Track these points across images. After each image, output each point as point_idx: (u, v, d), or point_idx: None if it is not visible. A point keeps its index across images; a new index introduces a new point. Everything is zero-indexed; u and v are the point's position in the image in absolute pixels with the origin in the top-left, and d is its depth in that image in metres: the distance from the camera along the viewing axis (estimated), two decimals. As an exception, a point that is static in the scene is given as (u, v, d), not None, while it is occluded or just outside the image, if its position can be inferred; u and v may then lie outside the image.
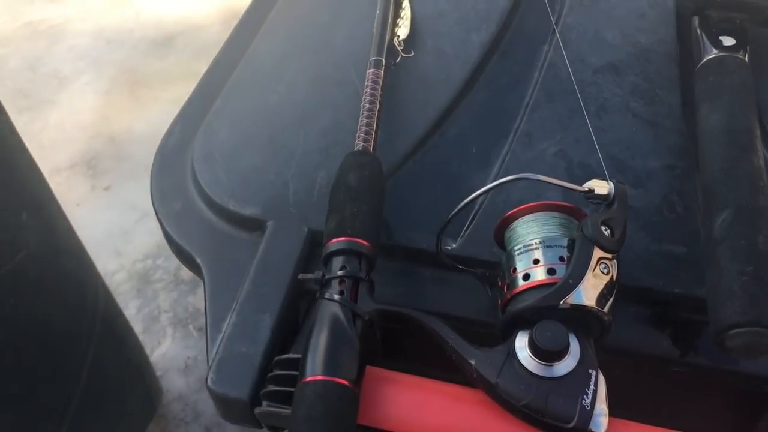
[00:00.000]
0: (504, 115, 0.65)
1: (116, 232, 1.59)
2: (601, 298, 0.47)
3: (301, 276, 0.53)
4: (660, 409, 0.59)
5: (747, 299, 0.43)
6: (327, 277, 0.51)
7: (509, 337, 0.48)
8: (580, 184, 0.58)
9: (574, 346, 0.46)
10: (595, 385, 0.45)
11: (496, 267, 0.55)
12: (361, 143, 0.58)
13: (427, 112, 0.65)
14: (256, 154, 0.65)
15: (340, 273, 0.50)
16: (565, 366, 0.46)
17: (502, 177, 0.59)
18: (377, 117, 0.60)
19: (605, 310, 0.47)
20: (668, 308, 0.55)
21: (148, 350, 1.35)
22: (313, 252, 0.59)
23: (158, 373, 1.34)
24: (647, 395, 0.59)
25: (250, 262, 0.59)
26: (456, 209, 0.51)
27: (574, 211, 0.52)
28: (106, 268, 1.50)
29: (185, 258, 0.62)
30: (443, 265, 0.56)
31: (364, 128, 0.59)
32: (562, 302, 0.46)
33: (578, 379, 0.45)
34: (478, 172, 0.62)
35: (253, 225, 0.62)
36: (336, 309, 0.49)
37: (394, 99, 0.65)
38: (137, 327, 1.42)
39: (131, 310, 1.46)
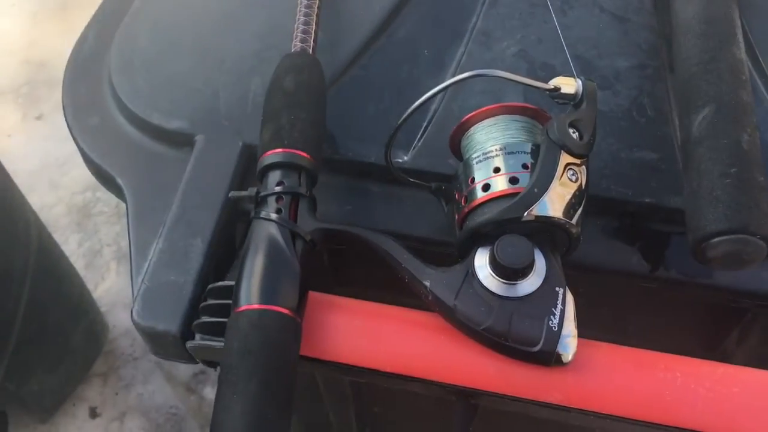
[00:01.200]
0: (459, 12, 0.58)
1: (52, 163, 1.49)
2: (569, 208, 0.42)
3: (232, 194, 0.46)
4: (627, 327, 0.55)
5: (731, 204, 0.38)
6: (262, 193, 0.44)
7: (468, 255, 0.43)
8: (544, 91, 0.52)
9: (540, 262, 0.41)
10: (563, 304, 0.41)
11: (453, 180, 0.49)
12: (299, 44, 0.51)
13: (372, 9, 0.57)
14: (181, 60, 0.57)
15: (276, 189, 0.44)
16: (529, 284, 0.41)
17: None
18: (316, 14, 0.53)
19: (573, 221, 0.42)
20: (637, 220, 0.50)
21: (91, 286, 1.28)
22: (248, 168, 0.52)
23: (103, 309, 1.27)
24: (615, 312, 0.55)
25: (177, 181, 0.52)
26: (406, 113, 0.45)
27: (538, 113, 0.46)
28: (42, 201, 1.40)
29: (105, 178, 0.55)
30: (394, 179, 0.50)
31: (301, 27, 0.52)
32: (525, 214, 0.41)
33: (544, 298, 0.40)
34: (430, 77, 0.55)
35: (180, 140, 0.54)
36: (273, 229, 0.43)
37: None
38: (79, 262, 1.34)
39: (72, 245, 1.38)
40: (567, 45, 0.54)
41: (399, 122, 0.45)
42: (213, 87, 0.55)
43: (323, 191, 0.47)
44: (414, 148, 0.52)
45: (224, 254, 0.49)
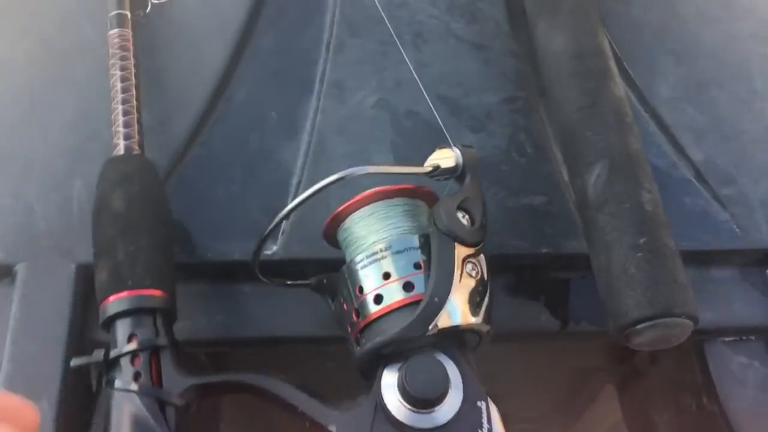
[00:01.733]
0: (301, 60, 0.50)
1: None
2: (475, 306, 0.37)
3: (74, 362, 0.37)
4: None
5: (649, 284, 0.34)
6: (112, 355, 0.36)
7: (371, 377, 0.37)
8: (414, 143, 0.47)
9: (453, 375, 0.36)
10: (488, 421, 0.36)
11: (336, 278, 0.43)
12: (121, 142, 0.42)
13: (202, 74, 0.49)
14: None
15: (129, 347, 0.36)
16: (448, 407, 0.35)
17: (314, 144, 0.47)
18: (136, 98, 0.44)
19: (481, 319, 0.37)
20: (538, 271, 0.46)
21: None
22: (89, 294, 0.43)
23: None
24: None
25: (2, 328, 0.42)
26: (270, 226, 0.38)
27: (417, 191, 0.40)
28: None
29: None
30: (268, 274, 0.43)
31: (120, 119, 0.42)
32: (430, 328, 0.35)
33: (467, 419, 0.35)
34: (283, 143, 0.48)
35: (-2, 273, 0.44)
36: (134, 402, 0.35)
37: (155, 64, 0.48)
38: None
39: None
40: (429, 85, 0.48)
41: (265, 233, 0.38)
42: (24, 200, 0.45)
43: (185, 302, 0.40)
44: (282, 233, 0.45)
45: (80, 416, 0.41)
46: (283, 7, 0.51)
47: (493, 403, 0.36)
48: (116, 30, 0.46)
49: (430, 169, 0.38)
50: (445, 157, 0.39)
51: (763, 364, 0.45)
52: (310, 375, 0.44)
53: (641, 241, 0.35)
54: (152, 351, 0.36)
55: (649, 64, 0.50)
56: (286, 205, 0.46)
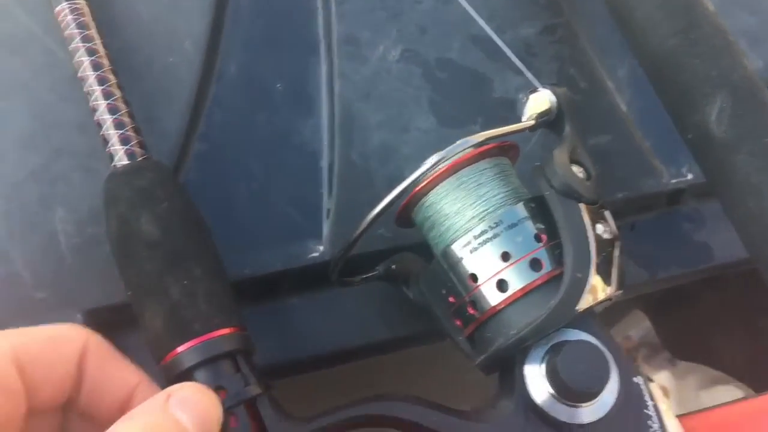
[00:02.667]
0: (295, 17, 0.44)
1: None
2: (607, 272, 0.33)
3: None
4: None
5: None
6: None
7: (506, 375, 0.33)
8: (455, 96, 0.43)
9: (605, 352, 0.33)
10: (651, 396, 0.33)
11: (398, 251, 0.40)
12: (119, 148, 0.35)
13: (181, 50, 0.42)
14: None
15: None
16: (609, 393, 0.33)
17: (339, 117, 0.42)
18: (118, 86, 0.36)
19: (615, 286, 0.34)
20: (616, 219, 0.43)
21: None
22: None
23: None
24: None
25: None
26: (354, 236, 0.34)
27: (503, 148, 0.36)
28: None
29: None
30: (312, 281, 0.40)
31: (108, 118, 0.35)
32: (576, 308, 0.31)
33: (630, 402, 0.33)
34: (301, 121, 0.42)
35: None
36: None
37: (120, 43, 0.40)
38: None
39: None
40: (457, 24, 0.43)
41: (344, 249, 0.33)
42: (-5, 246, 0.37)
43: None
44: (325, 232, 0.40)
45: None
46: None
47: (650, 378, 0.33)
48: (65, 4, 0.37)
49: (533, 122, 0.34)
50: (538, 102, 0.35)
51: None
52: (404, 385, 0.39)
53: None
54: (247, 404, 0.30)
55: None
56: (320, 195, 0.41)
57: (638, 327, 0.61)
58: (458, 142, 0.32)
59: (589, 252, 0.32)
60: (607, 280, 0.33)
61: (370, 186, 0.41)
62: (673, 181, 0.43)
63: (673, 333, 0.59)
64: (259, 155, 0.41)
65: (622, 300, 0.59)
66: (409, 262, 0.39)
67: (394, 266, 0.39)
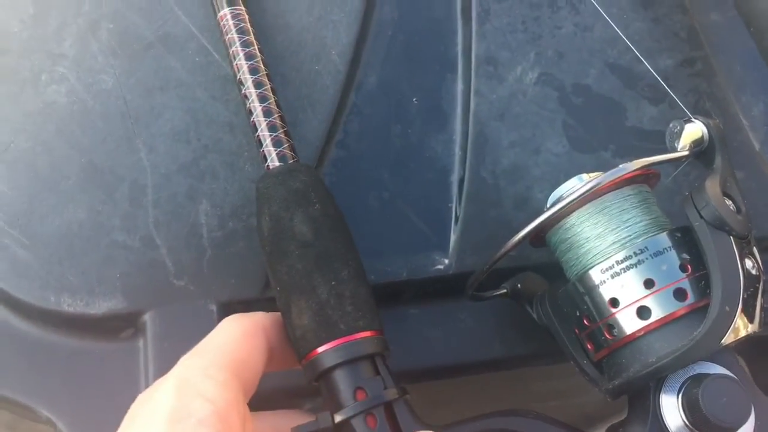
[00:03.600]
0: (435, 35, 0.46)
1: None
2: (752, 308, 0.33)
3: (296, 430, 0.32)
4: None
5: None
6: (341, 417, 0.31)
7: (638, 401, 0.33)
8: (588, 122, 0.43)
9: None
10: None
11: (521, 270, 0.40)
12: (272, 150, 0.36)
13: (326, 59, 0.43)
14: (70, 205, 0.39)
15: (360, 407, 0.31)
16: (746, 430, 0.32)
17: (472, 134, 0.43)
18: (272, 92, 0.38)
19: (757, 325, 0.34)
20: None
21: None
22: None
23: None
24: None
25: (129, 390, 0.35)
26: (501, 253, 0.34)
27: (647, 176, 0.36)
28: None
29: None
30: (430, 292, 0.41)
31: (263, 121, 0.37)
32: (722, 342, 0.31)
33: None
34: (435, 136, 0.44)
35: (118, 325, 0.38)
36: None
37: (274, 48, 0.42)
38: None
39: None
40: (594, 51, 0.44)
41: (495, 257, 0.34)
42: (142, 233, 0.39)
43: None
44: (452, 245, 0.41)
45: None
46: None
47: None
48: (227, 9, 0.40)
49: (687, 152, 0.34)
50: (689, 133, 0.35)
51: None
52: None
53: None
54: (386, 408, 0.31)
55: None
56: (449, 208, 0.42)
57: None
58: (616, 169, 0.33)
59: (738, 284, 0.32)
60: (750, 317, 0.33)
61: (499, 204, 0.42)
62: (811, 221, 0.43)
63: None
64: (392, 166, 0.42)
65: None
66: (533, 282, 0.40)
67: (519, 285, 0.40)
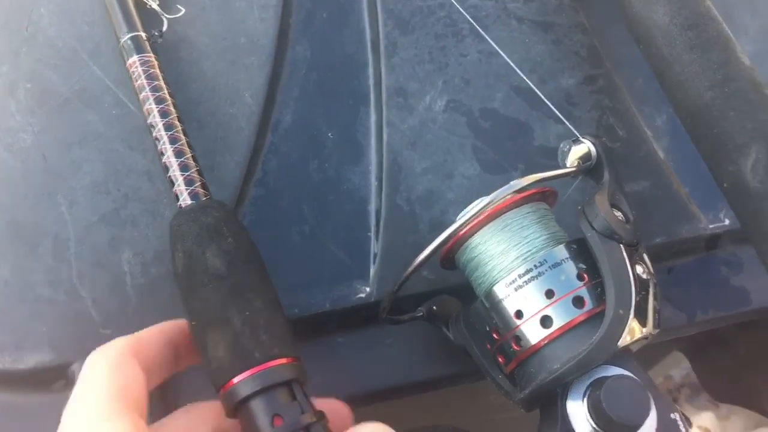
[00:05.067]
0: (347, 70, 0.48)
1: None
2: (654, 313, 0.36)
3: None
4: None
5: None
6: (255, 449, 0.32)
7: (548, 410, 0.35)
8: (498, 144, 0.46)
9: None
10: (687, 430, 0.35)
11: (440, 293, 0.42)
12: (184, 189, 0.38)
13: (240, 101, 0.45)
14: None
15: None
16: (648, 428, 0.34)
17: (387, 163, 0.45)
18: (184, 133, 0.40)
19: (652, 325, 0.36)
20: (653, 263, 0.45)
21: None
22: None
23: None
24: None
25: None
26: (403, 276, 0.37)
27: (545, 194, 0.39)
28: None
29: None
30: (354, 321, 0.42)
31: (174, 161, 0.39)
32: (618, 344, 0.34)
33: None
34: (351, 168, 0.46)
35: (48, 377, 0.40)
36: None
37: (183, 95, 0.44)
38: None
39: None
40: (500, 76, 0.46)
41: (399, 281, 0.36)
42: (66, 286, 0.41)
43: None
44: (372, 273, 0.43)
45: None
46: (312, 8, 0.48)
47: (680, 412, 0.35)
48: (136, 57, 0.42)
49: (575, 168, 0.37)
50: (578, 151, 0.38)
51: None
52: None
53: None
54: (304, 430, 0.33)
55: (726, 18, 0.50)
56: (368, 238, 0.44)
57: (679, 368, 0.62)
58: (507, 186, 0.35)
59: (630, 289, 0.34)
60: (643, 319, 0.35)
61: (415, 230, 0.44)
62: (711, 226, 0.45)
63: (712, 375, 0.60)
64: (311, 200, 0.44)
65: (660, 341, 0.60)
66: (448, 304, 0.42)
67: (435, 307, 0.41)
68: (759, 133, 0.37)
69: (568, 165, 0.38)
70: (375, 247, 0.44)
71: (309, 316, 0.42)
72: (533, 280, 0.36)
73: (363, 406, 0.43)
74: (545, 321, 0.35)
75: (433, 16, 0.48)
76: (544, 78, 0.47)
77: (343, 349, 0.43)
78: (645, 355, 0.75)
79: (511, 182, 0.35)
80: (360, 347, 0.43)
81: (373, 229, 0.44)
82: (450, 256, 0.39)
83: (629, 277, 0.34)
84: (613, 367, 0.35)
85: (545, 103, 0.47)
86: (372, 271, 0.43)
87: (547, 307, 0.35)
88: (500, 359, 0.37)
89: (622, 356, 0.35)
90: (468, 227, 0.37)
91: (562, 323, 0.35)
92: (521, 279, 0.36)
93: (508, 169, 0.45)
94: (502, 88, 0.47)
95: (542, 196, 0.39)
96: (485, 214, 0.37)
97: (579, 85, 0.48)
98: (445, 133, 0.46)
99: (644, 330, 0.35)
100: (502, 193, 0.35)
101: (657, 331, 0.36)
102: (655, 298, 0.36)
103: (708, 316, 0.46)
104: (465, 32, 0.48)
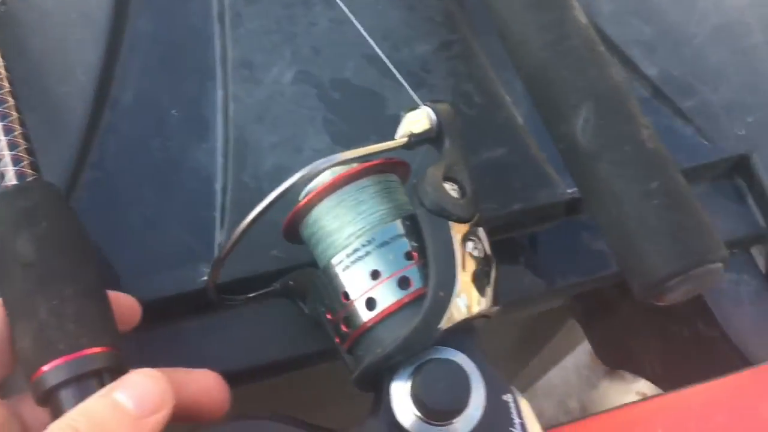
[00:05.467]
0: (192, 43, 0.46)
1: None
2: (482, 289, 0.35)
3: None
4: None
5: (674, 233, 0.34)
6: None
7: (378, 393, 0.34)
8: (350, 115, 0.44)
9: (472, 371, 0.34)
10: (519, 414, 0.34)
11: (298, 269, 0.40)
12: (10, 168, 0.36)
13: (74, 73, 0.43)
14: None
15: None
16: (473, 410, 0.33)
17: (233, 140, 0.43)
18: (16, 109, 0.38)
19: (489, 302, 0.35)
20: (513, 230, 0.45)
21: None
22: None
23: None
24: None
25: None
26: (224, 251, 0.35)
27: (388, 165, 0.37)
28: None
29: None
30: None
31: (4, 138, 0.36)
32: (439, 327, 0.33)
33: (496, 418, 0.34)
34: (196, 146, 0.44)
35: None
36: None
37: (23, 66, 0.42)
38: None
39: None
40: (353, 45, 0.45)
41: (222, 254, 0.35)
42: None
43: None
44: (217, 254, 0.41)
45: None
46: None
47: (519, 393, 0.35)
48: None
49: (407, 138, 0.35)
50: (416, 120, 0.36)
51: (752, 275, 0.46)
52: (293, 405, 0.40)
53: (654, 185, 0.34)
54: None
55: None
56: (213, 218, 0.42)
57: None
58: (322, 160, 0.34)
59: (453, 269, 0.33)
60: (482, 295, 0.35)
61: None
62: (569, 191, 0.45)
63: (600, 341, 0.60)
64: (154, 181, 0.42)
65: (547, 310, 0.60)
66: (310, 278, 0.40)
67: (291, 282, 0.40)
68: (589, 91, 0.36)
69: (397, 135, 0.37)
70: (220, 226, 0.42)
71: (153, 300, 0.40)
72: (360, 259, 0.34)
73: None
74: (370, 303, 0.34)
75: (279, -19, 0.46)
76: (398, 45, 0.46)
77: (193, 333, 0.42)
78: (541, 326, 0.76)
79: (329, 156, 0.34)
80: (212, 330, 0.42)
81: (219, 208, 0.42)
82: (293, 230, 0.38)
83: (452, 255, 0.33)
84: (448, 349, 0.34)
85: (399, 69, 0.45)
86: (218, 252, 0.41)
87: (372, 288, 0.34)
88: (337, 339, 0.36)
89: (458, 337, 0.34)
90: (305, 201, 0.36)
91: (387, 305, 0.34)
92: (348, 258, 0.35)
93: (360, 141, 0.44)
94: (354, 57, 0.45)
95: (390, 167, 0.37)
96: (321, 188, 0.36)
97: (435, 52, 0.46)
98: (293, 106, 0.44)
99: (478, 308, 0.34)
100: (316, 167, 0.34)
101: (496, 308, 0.36)
102: (488, 275, 0.35)
103: (568, 281, 0.45)
104: (317, 1, 0.46)
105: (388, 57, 0.45)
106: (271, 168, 0.43)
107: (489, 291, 0.35)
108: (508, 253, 0.45)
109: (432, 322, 0.33)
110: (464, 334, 0.35)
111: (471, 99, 0.46)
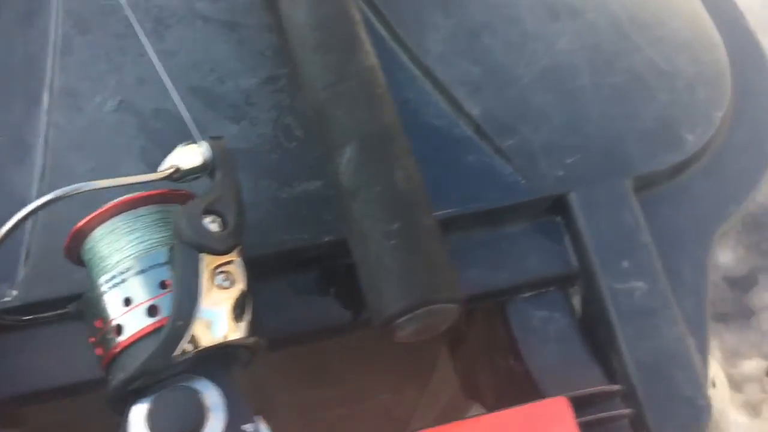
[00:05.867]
0: (27, 69, 0.47)
1: None
2: (234, 319, 0.36)
3: None
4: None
5: (402, 273, 0.35)
6: None
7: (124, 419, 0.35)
8: (167, 145, 0.45)
9: (214, 400, 0.35)
10: (258, 442, 0.35)
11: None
12: None
13: None
14: None
15: None
16: (209, 438, 0.34)
17: (49, 165, 0.45)
18: None
19: (242, 332, 0.36)
20: (324, 262, 0.46)
21: None
22: None
23: None
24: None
25: None
26: None
27: (168, 195, 0.38)
28: None
29: None
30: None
31: None
32: (177, 353, 0.34)
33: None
34: (15, 169, 0.45)
35: None
36: None
37: None
38: None
39: None
40: (178, 77, 0.46)
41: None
42: None
43: None
44: (21, 275, 0.43)
45: None
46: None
47: (264, 422, 0.35)
48: None
49: (169, 172, 0.37)
50: (189, 154, 0.38)
51: (564, 313, 0.47)
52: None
53: (395, 226, 0.36)
54: None
55: (417, 20, 0.50)
56: (19, 239, 0.43)
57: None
58: (66, 189, 0.35)
59: (194, 301, 0.34)
60: (236, 326, 0.36)
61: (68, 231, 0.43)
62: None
63: (459, 372, 0.61)
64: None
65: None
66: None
67: (80, 306, 0.41)
68: (356, 132, 0.38)
69: (160, 168, 0.38)
70: (27, 247, 0.43)
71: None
72: (116, 286, 0.36)
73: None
74: (119, 329, 0.35)
75: (115, 16, 0.48)
76: (224, 78, 0.47)
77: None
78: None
79: (77, 184, 0.35)
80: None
81: (27, 230, 0.44)
82: (74, 254, 0.39)
83: (195, 287, 0.34)
84: (194, 376, 0.35)
85: (222, 103, 0.47)
86: (21, 273, 0.43)
87: (122, 315, 0.35)
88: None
89: (210, 364, 0.35)
90: (80, 225, 0.37)
91: (133, 332, 0.35)
92: (107, 284, 0.36)
93: (173, 170, 0.45)
94: (180, 88, 0.47)
95: (175, 197, 0.39)
96: (95, 214, 0.37)
97: (260, 85, 0.48)
98: (113, 135, 0.46)
99: (233, 335, 0.35)
100: (63, 192, 0.35)
101: (252, 339, 0.37)
102: (242, 307, 0.36)
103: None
104: (146, 32, 0.48)
105: (211, 90, 0.47)
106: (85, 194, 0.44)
107: (243, 323, 0.36)
108: (322, 284, 0.46)
109: (168, 348, 0.34)
110: (218, 362, 0.36)
111: (291, 133, 0.47)
